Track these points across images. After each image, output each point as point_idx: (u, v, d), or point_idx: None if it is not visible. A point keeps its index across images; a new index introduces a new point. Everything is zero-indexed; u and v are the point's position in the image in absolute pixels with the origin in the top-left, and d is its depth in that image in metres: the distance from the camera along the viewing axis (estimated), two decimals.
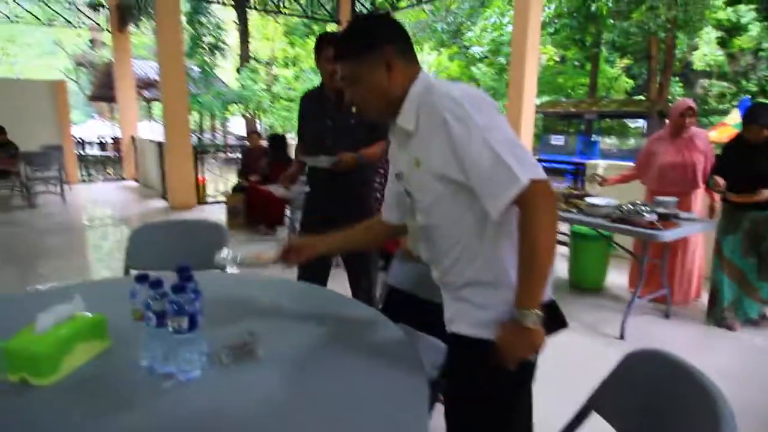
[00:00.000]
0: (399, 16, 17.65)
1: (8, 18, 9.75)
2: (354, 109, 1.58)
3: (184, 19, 16.85)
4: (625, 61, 19.53)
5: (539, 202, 0.98)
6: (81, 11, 10.28)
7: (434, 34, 18.34)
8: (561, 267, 4.21)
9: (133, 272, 1.97)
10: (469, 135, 1.00)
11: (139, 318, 1.12)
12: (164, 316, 1.00)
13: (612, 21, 12.90)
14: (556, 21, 11.59)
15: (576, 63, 18.33)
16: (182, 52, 7.00)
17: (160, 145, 7.91)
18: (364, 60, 1.12)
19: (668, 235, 2.85)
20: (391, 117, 1.16)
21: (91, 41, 22.27)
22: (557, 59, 19.05)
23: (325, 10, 8.85)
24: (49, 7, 9.95)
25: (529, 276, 1.01)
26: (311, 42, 19.85)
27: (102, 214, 7.52)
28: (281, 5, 9.04)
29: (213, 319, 1.22)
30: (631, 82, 20.51)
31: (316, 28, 17.38)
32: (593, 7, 11.21)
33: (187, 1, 15.33)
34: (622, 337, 3.03)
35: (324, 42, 2.14)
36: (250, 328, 1.21)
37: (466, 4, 16.95)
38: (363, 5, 8.75)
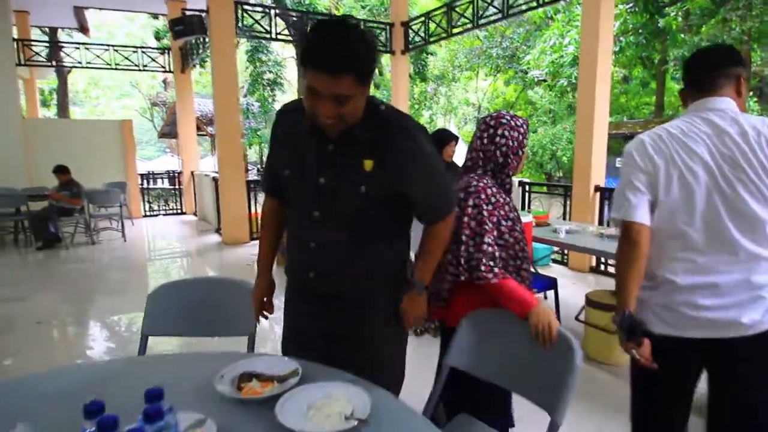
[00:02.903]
0: (452, 44, 17.54)
1: (88, 64, 10.40)
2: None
3: (245, 57, 17.57)
4: None
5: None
6: (150, 56, 10.81)
7: (489, 59, 18.00)
8: None
9: (152, 339, 1.78)
10: None
11: None
12: None
13: (682, 36, 12.09)
14: (621, 39, 10.94)
15: (641, 81, 17.38)
16: (236, 90, 7.06)
17: (215, 179, 7.99)
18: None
19: None
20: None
21: (164, 82, 23.72)
22: (620, 78, 18.16)
23: (380, 41, 8.80)
24: (121, 54, 10.53)
25: None
26: None
27: (158, 250, 7.64)
28: None
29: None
30: None
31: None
32: (661, 23, 10.50)
33: (248, 42, 15.92)
34: None
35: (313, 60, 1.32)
36: None
37: (521, 29, 16.56)
38: (417, 33, 8.60)
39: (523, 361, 1.49)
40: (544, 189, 7.06)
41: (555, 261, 5.85)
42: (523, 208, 6.09)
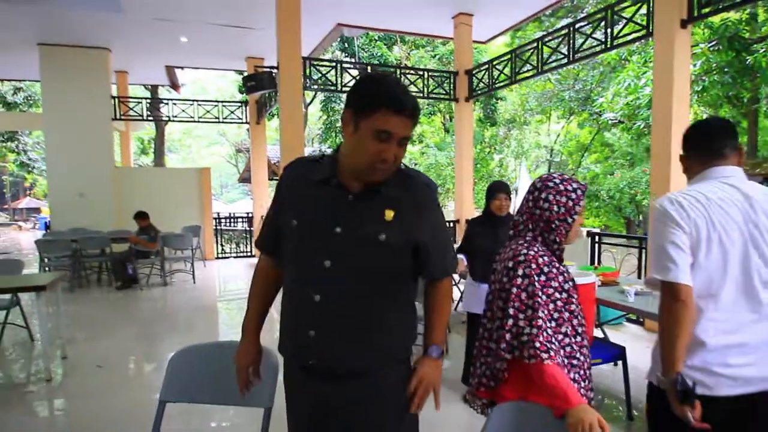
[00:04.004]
0: (523, 88, 17.38)
1: (175, 117, 11.37)
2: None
3: (319, 106, 18.42)
4: None
5: None
6: (229, 109, 11.62)
7: (562, 102, 17.59)
8: None
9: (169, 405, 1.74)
10: None
11: None
12: None
13: None
14: (704, 78, 10.28)
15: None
16: (302, 139, 7.31)
17: None
18: None
19: None
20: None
21: (248, 131, 25.49)
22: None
23: (444, 90, 8.85)
24: (204, 108, 11.41)
25: None
26: (436, 119, 20.34)
27: (225, 293, 7.89)
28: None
29: None
30: None
31: (441, 106, 17.76)
32: (749, 60, 9.77)
33: (321, 93, 16.69)
34: None
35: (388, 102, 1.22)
36: None
37: (595, 71, 16.10)
38: (481, 81, 8.58)
39: None
40: (618, 239, 6.56)
41: (629, 320, 5.32)
42: (591, 263, 5.67)
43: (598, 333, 4.03)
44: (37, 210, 30.30)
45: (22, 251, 15.05)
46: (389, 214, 1.30)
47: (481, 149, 17.78)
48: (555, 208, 1.57)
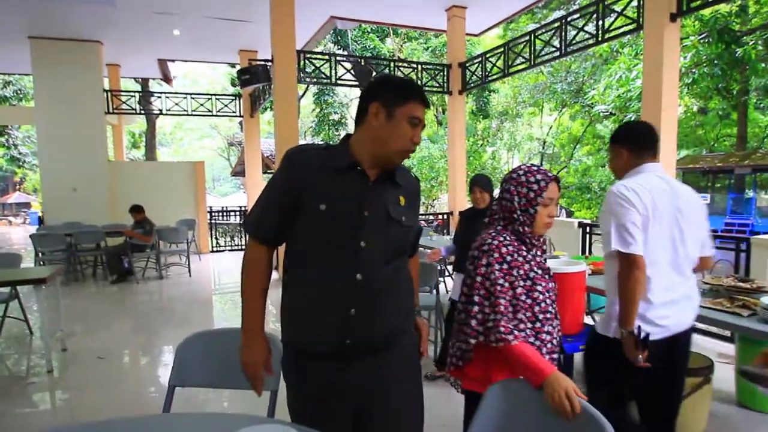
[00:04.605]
0: (516, 80, 17.43)
1: (168, 111, 11.33)
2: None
3: (312, 99, 18.38)
4: None
5: None
6: (223, 102, 11.59)
7: (554, 95, 17.67)
8: (726, 376, 3.32)
9: (178, 389, 1.81)
10: None
11: None
12: None
13: (763, 65, 11.31)
14: (694, 71, 10.39)
15: (719, 113, 16.35)
16: (296, 133, 7.34)
17: None
18: None
19: None
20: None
21: (240, 124, 25.36)
22: (696, 110, 17.17)
23: (437, 82, 8.89)
24: (198, 101, 11.37)
25: None
26: (429, 112, 20.35)
27: (220, 286, 7.94)
28: None
29: None
30: None
31: (434, 99, 17.78)
32: (738, 52, 9.88)
33: (314, 86, 16.66)
34: None
35: (417, 93, 1.41)
36: None
37: (588, 63, 16.18)
38: (474, 74, 8.63)
39: None
40: None
41: None
42: (582, 253, 5.78)
43: (588, 320, 4.13)
44: (27, 205, 30.05)
45: (14, 246, 14.98)
46: (402, 200, 1.48)
47: (474, 142, 17.83)
48: (516, 199, 1.65)
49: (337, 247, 1.37)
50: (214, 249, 11.34)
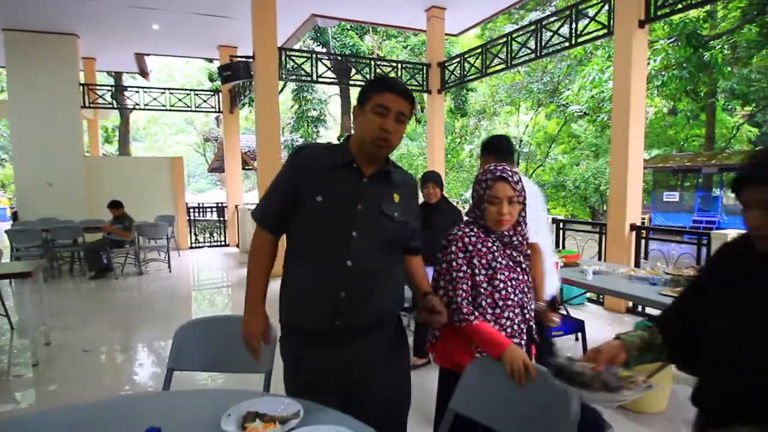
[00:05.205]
0: (493, 79, 17.72)
1: (146, 105, 11.20)
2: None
3: (290, 95, 18.33)
4: (747, 109, 17.72)
5: None
6: (202, 98, 11.51)
7: (530, 94, 18.06)
8: None
9: (177, 374, 1.91)
10: None
11: None
12: None
13: (729, 69, 11.81)
14: (663, 73, 10.79)
15: (688, 114, 16.93)
16: (277, 130, 7.41)
17: None
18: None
19: None
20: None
21: (216, 119, 25.05)
22: (666, 111, 17.73)
23: (416, 81, 9.05)
24: (176, 96, 11.28)
25: None
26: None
27: (200, 281, 7.95)
28: None
29: None
30: (755, 130, 18.47)
31: (416, 95, 17.87)
32: (706, 56, 10.31)
33: (293, 82, 16.62)
34: None
35: (383, 85, 1.52)
36: None
37: (563, 63, 16.59)
38: (453, 73, 8.81)
39: (522, 409, 1.52)
40: (581, 225, 6.93)
41: (590, 300, 5.70)
42: (556, 246, 6.01)
43: (561, 310, 4.34)
44: None
45: None
46: (396, 197, 1.59)
47: (452, 139, 18.10)
48: (474, 195, 1.83)
49: (331, 235, 1.51)
50: (193, 245, 11.31)
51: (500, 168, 1.75)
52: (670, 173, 17.29)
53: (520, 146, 20.34)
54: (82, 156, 9.69)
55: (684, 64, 10.56)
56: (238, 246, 10.82)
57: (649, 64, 9.08)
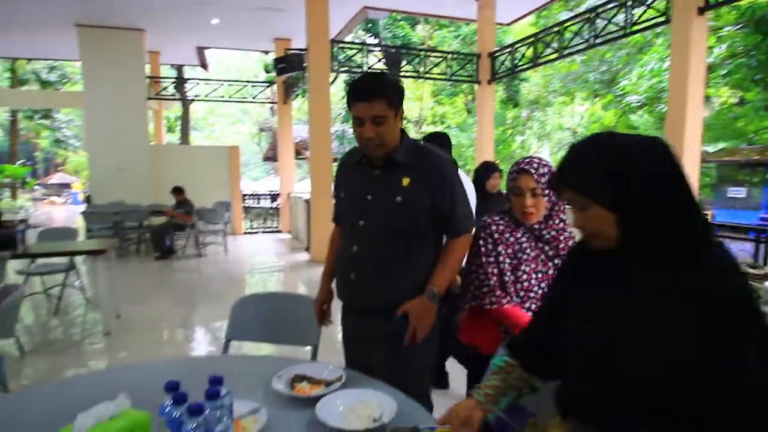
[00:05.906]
0: (547, 69, 17.26)
1: (206, 96, 11.77)
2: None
3: (342, 86, 18.60)
4: None
5: None
6: (257, 89, 11.96)
7: (586, 84, 17.47)
8: None
9: (233, 344, 2.12)
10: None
11: None
12: None
13: None
14: (729, 62, 10.23)
15: (758, 105, 15.88)
16: (329, 121, 7.63)
17: (307, 201, 8.61)
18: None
19: None
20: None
21: (272, 109, 25.78)
22: (734, 101, 16.71)
23: (467, 71, 9.03)
24: (233, 87, 11.77)
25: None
26: (458, 100, 20.39)
27: (254, 264, 8.35)
28: (427, 72, 9.34)
29: None
30: None
31: (464, 87, 17.78)
32: None
33: (344, 73, 16.87)
34: None
35: (352, 95, 1.62)
36: None
37: (622, 51, 15.95)
38: (503, 64, 8.73)
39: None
40: None
41: None
42: None
43: None
44: (68, 185, 31.28)
45: (59, 224, 15.82)
46: (405, 181, 1.66)
47: (503, 131, 17.81)
48: (506, 187, 1.87)
49: (347, 225, 1.81)
50: (248, 231, 11.81)
51: (527, 160, 1.73)
52: (737, 167, 16.30)
53: (574, 138, 19.75)
54: (148, 144, 10.32)
55: (752, 52, 9.97)
56: (290, 232, 11.21)
57: (714, 52, 8.64)
